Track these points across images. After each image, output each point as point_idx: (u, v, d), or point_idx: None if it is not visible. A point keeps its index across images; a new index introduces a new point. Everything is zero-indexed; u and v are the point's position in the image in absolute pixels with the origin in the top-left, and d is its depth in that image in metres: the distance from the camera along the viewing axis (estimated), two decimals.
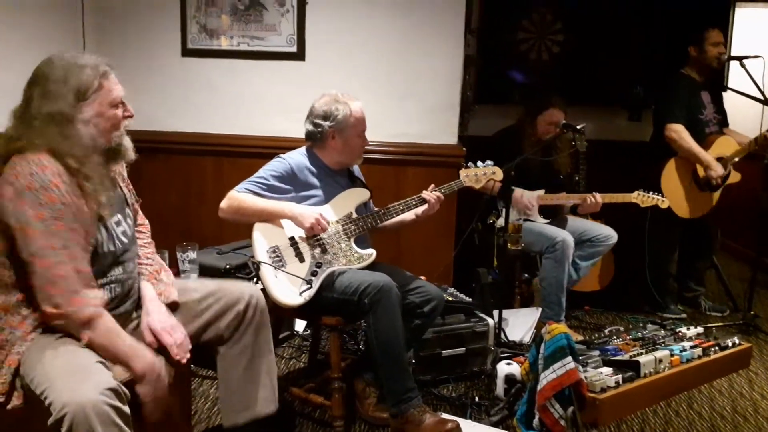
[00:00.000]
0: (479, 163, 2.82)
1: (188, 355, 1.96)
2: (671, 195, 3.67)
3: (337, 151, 2.67)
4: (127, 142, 1.96)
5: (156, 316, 1.96)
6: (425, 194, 2.69)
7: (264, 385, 2.14)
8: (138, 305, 2.04)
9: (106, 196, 1.84)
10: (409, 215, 2.74)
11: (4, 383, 1.73)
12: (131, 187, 2.14)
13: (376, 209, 2.72)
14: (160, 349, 1.92)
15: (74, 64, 1.80)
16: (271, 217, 2.55)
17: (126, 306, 1.97)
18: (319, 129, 2.63)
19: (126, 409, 1.63)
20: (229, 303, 2.08)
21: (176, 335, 1.95)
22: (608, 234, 3.58)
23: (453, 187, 2.77)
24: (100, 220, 1.86)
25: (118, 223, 1.94)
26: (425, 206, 2.69)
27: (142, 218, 2.22)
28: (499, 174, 2.84)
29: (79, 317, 1.73)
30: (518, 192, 3.53)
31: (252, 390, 2.12)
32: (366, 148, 2.75)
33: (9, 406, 1.73)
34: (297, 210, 2.54)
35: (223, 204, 2.56)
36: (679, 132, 3.75)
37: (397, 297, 2.42)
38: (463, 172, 2.81)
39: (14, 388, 1.74)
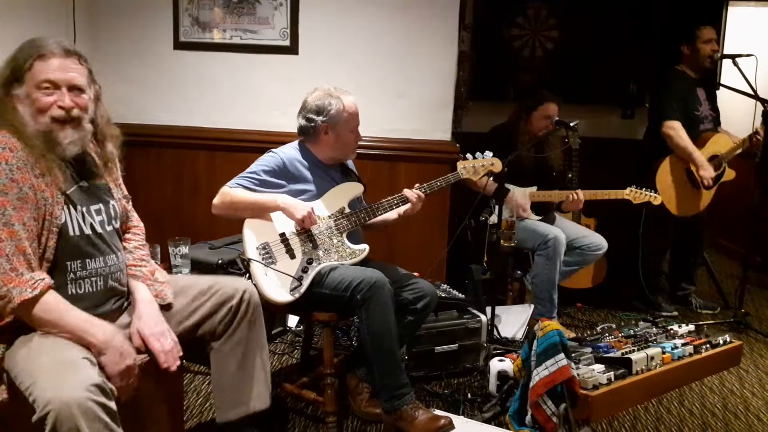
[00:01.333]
0: (477, 155, 2.78)
1: (177, 362, 1.92)
2: (666, 192, 3.68)
3: (329, 146, 2.66)
4: (67, 136, 1.83)
5: (147, 320, 1.92)
6: (407, 192, 2.65)
7: (258, 380, 2.13)
8: (126, 305, 2.01)
9: (63, 174, 1.81)
10: (392, 214, 2.71)
11: None
12: (120, 182, 2.10)
13: (365, 204, 2.70)
14: (149, 353, 1.90)
15: (27, 44, 1.82)
16: (264, 210, 2.53)
17: (110, 305, 1.94)
18: (312, 124, 2.62)
19: (112, 405, 1.61)
20: (223, 298, 2.07)
21: (165, 342, 1.91)
22: (599, 243, 3.58)
23: (450, 180, 2.74)
24: (67, 203, 1.82)
25: (98, 212, 1.92)
26: (406, 206, 2.66)
27: (136, 220, 2.19)
28: (498, 165, 2.79)
29: (19, 298, 1.67)
30: (511, 192, 3.52)
31: (245, 386, 2.11)
32: (359, 143, 2.74)
33: None
34: (289, 201, 2.52)
35: (216, 200, 2.55)
36: (676, 129, 3.75)
37: (390, 293, 2.41)
38: (460, 164, 2.77)
39: (2, 381, 1.72)
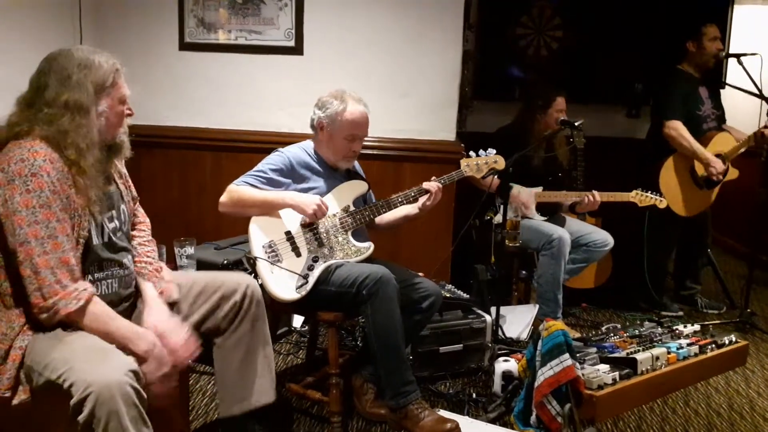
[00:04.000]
0: (481, 152, 2.77)
1: (195, 354, 1.93)
2: (669, 193, 3.68)
3: (324, 143, 2.67)
4: (127, 140, 1.99)
5: (159, 316, 1.94)
6: (426, 184, 2.66)
7: (261, 375, 2.14)
8: (134, 306, 2.03)
9: (97, 193, 1.83)
10: (412, 209, 2.71)
11: (9, 378, 1.72)
12: (130, 184, 2.13)
13: (374, 201, 2.71)
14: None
15: (93, 59, 1.83)
16: (272, 208, 2.54)
17: (124, 306, 1.96)
18: (314, 117, 2.65)
19: (144, 393, 1.64)
20: (226, 294, 2.08)
21: (180, 336, 1.91)
22: (605, 240, 3.58)
23: (453, 177, 2.74)
24: (92, 213, 1.84)
25: (110, 219, 1.94)
26: (426, 197, 2.65)
27: (142, 216, 2.21)
28: (501, 163, 2.79)
29: (65, 310, 1.70)
30: (516, 190, 3.53)
31: (249, 381, 2.13)
32: (356, 152, 2.69)
33: (15, 401, 1.72)
34: (298, 198, 2.53)
35: (223, 198, 2.56)
36: (677, 129, 3.74)
37: (395, 288, 2.41)
38: (463, 162, 2.77)
39: (19, 382, 1.74)
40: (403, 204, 2.66)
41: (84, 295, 1.74)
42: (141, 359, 1.76)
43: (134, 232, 2.14)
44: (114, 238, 1.93)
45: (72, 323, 1.75)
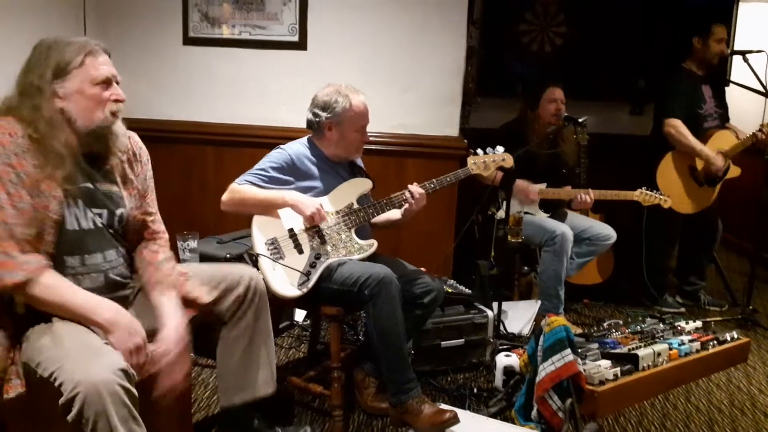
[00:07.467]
0: (488, 150, 2.76)
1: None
2: (667, 190, 3.67)
3: (333, 143, 2.66)
4: (119, 128, 1.92)
5: (174, 334, 1.87)
6: (409, 188, 2.62)
7: (263, 367, 2.15)
8: (132, 298, 2.01)
9: (64, 174, 1.78)
10: (395, 213, 2.70)
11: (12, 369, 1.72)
12: (143, 193, 2.05)
13: (373, 201, 2.70)
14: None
15: (61, 42, 1.83)
16: (273, 207, 2.55)
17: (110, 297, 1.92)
18: (317, 119, 2.63)
19: (134, 391, 1.63)
20: (230, 286, 2.09)
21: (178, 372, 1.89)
22: (608, 234, 3.58)
23: (460, 176, 2.72)
24: (67, 198, 1.81)
25: (99, 215, 1.89)
26: (406, 205, 2.62)
27: (162, 232, 2.13)
28: (509, 160, 2.77)
29: (9, 280, 1.67)
30: (522, 182, 3.52)
31: (250, 372, 2.14)
32: (366, 141, 2.73)
33: (12, 394, 1.71)
34: (298, 198, 2.53)
35: (225, 197, 2.57)
36: (676, 127, 3.74)
37: (397, 288, 2.42)
38: (470, 159, 2.75)
39: (17, 375, 1.73)
40: (403, 203, 2.63)
41: (30, 267, 1.69)
42: (107, 330, 1.72)
43: (154, 247, 2.07)
44: (100, 227, 1.89)
45: (24, 297, 1.71)
